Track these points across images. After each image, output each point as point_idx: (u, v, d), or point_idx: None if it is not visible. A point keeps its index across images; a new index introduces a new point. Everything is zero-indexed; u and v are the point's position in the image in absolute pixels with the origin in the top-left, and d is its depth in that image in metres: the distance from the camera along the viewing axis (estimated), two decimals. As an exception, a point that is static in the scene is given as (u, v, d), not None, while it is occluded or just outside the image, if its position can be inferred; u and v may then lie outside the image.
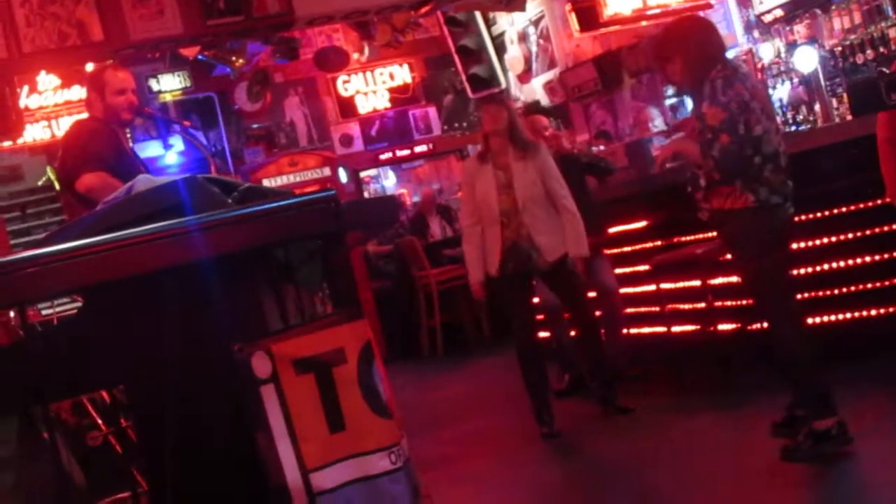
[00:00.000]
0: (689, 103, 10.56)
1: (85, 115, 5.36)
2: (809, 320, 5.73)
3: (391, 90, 13.97)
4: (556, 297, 6.27)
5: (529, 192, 5.90)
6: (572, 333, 6.47)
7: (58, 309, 6.18)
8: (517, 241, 5.90)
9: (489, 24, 13.45)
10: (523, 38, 13.15)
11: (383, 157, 14.06)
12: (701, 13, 10.18)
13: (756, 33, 9.96)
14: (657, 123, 10.71)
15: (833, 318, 5.73)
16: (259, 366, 2.19)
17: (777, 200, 4.33)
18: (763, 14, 9.77)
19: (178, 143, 12.51)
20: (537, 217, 5.91)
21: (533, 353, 6.07)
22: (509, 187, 5.92)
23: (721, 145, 4.23)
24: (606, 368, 6.21)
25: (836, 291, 5.75)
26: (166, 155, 12.51)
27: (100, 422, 4.70)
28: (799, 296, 5.26)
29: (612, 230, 7.03)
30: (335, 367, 2.23)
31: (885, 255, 5.62)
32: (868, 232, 5.66)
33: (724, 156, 4.24)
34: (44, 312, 6.16)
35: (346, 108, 13.83)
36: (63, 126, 10.77)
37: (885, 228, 5.60)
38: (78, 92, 10.70)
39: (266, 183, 11.08)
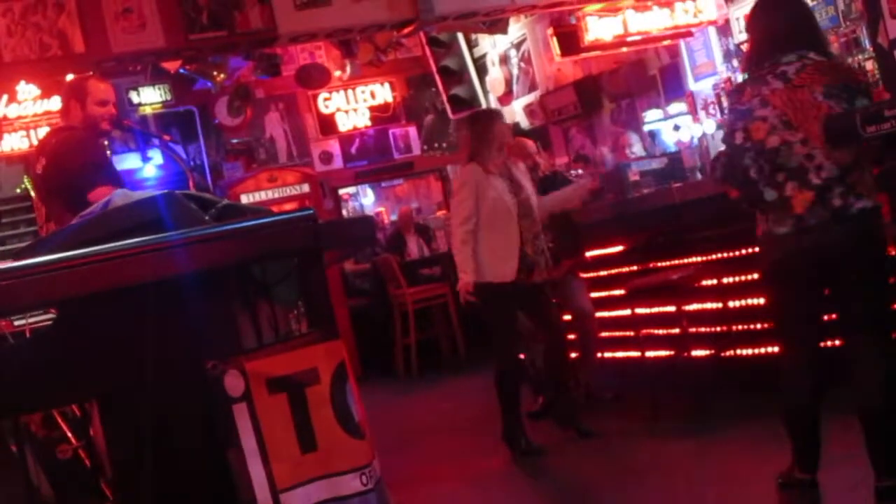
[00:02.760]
0: (665, 130, 10.66)
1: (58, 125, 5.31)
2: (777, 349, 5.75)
3: (372, 108, 13.99)
4: (529, 316, 6.25)
5: (534, 199, 6.07)
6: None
7: (31, 320, 6.11)
8: (526, 249, 5.93)
9: (471, 45, 13.51)
10: (505, 60, 13.22)
11: (362, 175, 14.07)
12: (682, 41, 10.30)
13: (735, 62, 10.03)
14: (636, 149, 10.77)
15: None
16: (232, 384, 2.19)
17: (783, 230, 4.03)
18: (743, 43, 9.86)
19: (156, 156, 12.47)
20: (539, 225, 6.04)
21: (514, 371, 6.07)
22: (516, 193, 5.99)
23: (721, 158, 4.17)
24: (573, 391, 6.21)
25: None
26: (145, 168, 12.46)
27: (70, 435, 4.66)
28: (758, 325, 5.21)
29: (589, 254, 7.06)
30: (308, 387, 2.23)
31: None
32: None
33: (723, 165, 4.14)
34: (16, 324, 6.10)
35: (327, 125, 13.84)
36: (42, 136, 10.71)
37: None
38: (58, 103, 10.66)
39: (244, 198, 11.06)
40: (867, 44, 8.48)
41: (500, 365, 6.06)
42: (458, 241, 5.99)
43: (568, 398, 6.19)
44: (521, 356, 6.90)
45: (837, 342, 4.90)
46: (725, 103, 4.20)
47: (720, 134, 5.99)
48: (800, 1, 4.29)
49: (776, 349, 5.55)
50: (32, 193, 9.95)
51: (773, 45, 4.00)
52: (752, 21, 4.19)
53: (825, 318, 4.14)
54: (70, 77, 7.29)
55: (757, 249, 4.21)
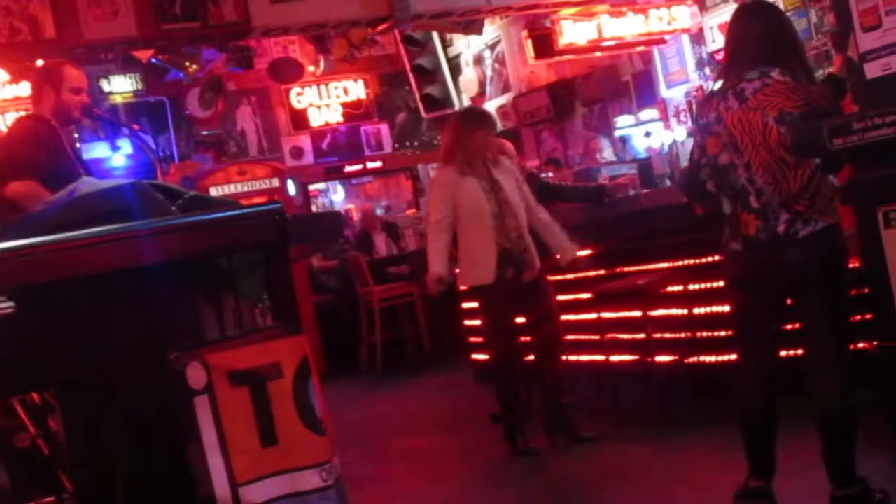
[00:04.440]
0: (636, 136, 10.72)
1: (27, 112, 5.25)
2: (726, 357, 5.78)
3: (344, 105, 13.98)
4: (527, 312, 6.10)
5: (516, 197, 5.94)
6: (531, 357, 6.36)
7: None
8: (508, 248, 5.85)
9: (446, 45, 13.53)
10: (479, 61, 13.24)
11: (333, 171, 14.04)
12: (655, 48, 10.36)
13: (707, 70, 10.11)
14: (607, 154, 10.82)
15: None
16: (194, 376, 2.18)
17: (736, 246, 4.02)
18: (716, 52, 9.93)
19: (126, 145, 12.39)
20: (523, 222, 5.93)
21: (515, 366, 6.02)
22: (493, 193, 5.90)
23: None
24: (562, 393, 6.16)
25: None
26: (113, 157, 12.39)
27: (28, 423, 4.61)
28: (722, 332, 5.21)
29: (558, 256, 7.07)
30: (270, 381, 2.22)
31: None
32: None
33: (681, 176, 4.20)
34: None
35: (299, 120, 13.81)
36: (10, 122, 10.60)
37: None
38: (27, 88, 10.55)
39: (213, 191, 11.00)
40: (838, 57, 8.55)
41: (496, 364, 6.06)
42: (430, 238, 5.99)
43: (559, 400, 6.11)
44: (486, 358, 6.90)
45: (800, 351, 4.97)
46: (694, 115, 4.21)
47: (690, 142, 6.01)
48: (776, 14, 4.23)
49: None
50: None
51: (740, 58, 3.94)
52: (728, 30, 4.15)
53: (786, 326, 4.20)
54: (41, 62, 7.22)
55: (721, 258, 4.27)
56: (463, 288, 6.38)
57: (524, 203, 6.01)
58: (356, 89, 14.03)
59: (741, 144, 3.84)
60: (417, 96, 13.60)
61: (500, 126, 12.71)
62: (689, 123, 9.35)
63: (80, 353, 2.31)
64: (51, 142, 4.92)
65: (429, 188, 14.33)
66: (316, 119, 13.87)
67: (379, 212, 13.77)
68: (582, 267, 6.47)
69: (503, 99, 12.83)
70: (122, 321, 2.30)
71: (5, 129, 9.57)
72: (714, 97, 3.99)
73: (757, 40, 3.92)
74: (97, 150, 12.20)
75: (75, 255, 2.20)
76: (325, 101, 13.90)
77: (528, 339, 6.21)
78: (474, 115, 6.47)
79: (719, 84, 4.05)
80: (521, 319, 6.18)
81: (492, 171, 5.97)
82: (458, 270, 6.16)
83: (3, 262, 2.17)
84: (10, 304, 2.54)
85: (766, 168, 3.80)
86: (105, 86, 11.92)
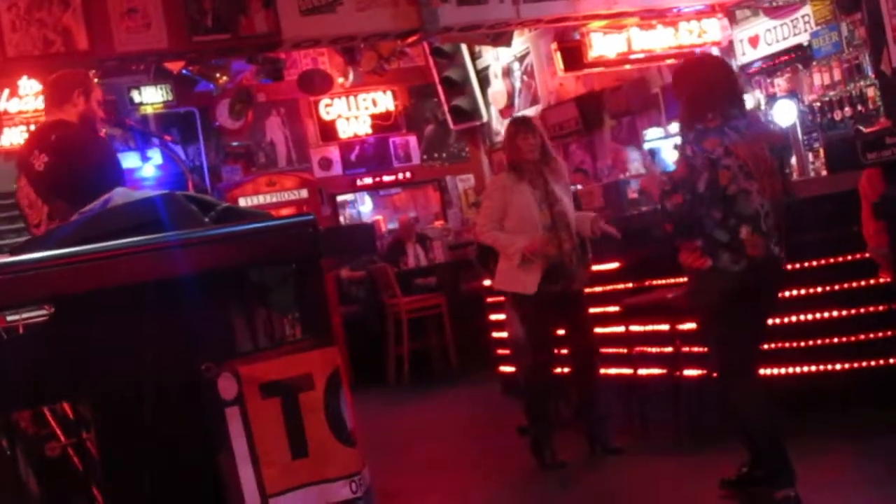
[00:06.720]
0: (665, 149, 10.68)
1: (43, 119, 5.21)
2: (778, 370, 5.75)
3: (373, 116, 14.01)
4: (565, 323, 6.09)
5: (570, 209, 5.96)
6: (566, 370, 6.33)
7: (24, 316, 6.09)
8: (562, 260, 5.83)
9: (474, 57, 13.55)
10: (507, 73, 13.25)
11: (361, 182, 14.07)
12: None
13: (738, 83, 10.06)
14: (635, 166, 10.79)
15: (800, 369, 5.77)
16: (225, 387, 2.18)
17: (737, 268, 4.24)
18: (746, 65, 9.89)
19: (156, 156, 12.47)
20: (574, 234, 5.92)
21: (547, 378, 5.99)
22: (547, 204, 5.87)
23: (673, 203, 4.26)
24: (599, 404, 6.13)
25: (804, 343, 5.78)
26: (144, 167, 12.47)
27: (59, 432, 4.63)
28: (768, 346, 5.23)
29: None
30: (302, 393, 2.22)
31: (853, 310, 5.67)
32: (837, 286, 5.71)
33: (677, 211, 4.27)
34: (9, 318, 6.08)
35: (327, 131, 13.85)
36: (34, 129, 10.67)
37: (854, 284, 5.65)
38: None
39: (242, 202, 11.07)
40: (869, 70, 8.50)
41: (528, 375, 6.02)
42: (485, 234, 5.97)
43: (596, 411, 6.08)
44: (511, 370, 6.87)
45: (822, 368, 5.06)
46: (688, 150, 4.28)
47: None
48: (729, 65, 5.06)
49: (769, 371, 5.56)
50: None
51: (716, 100, 4.31)
52: (692, 76, 4.52)
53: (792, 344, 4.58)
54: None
55: (696, 281, 4.55)
56: (498, 289, 6.27)
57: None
58: (385, 101, 14.06)
59: (755, 172, 4.21)
60: (446, 108, 13.62)
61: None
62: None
63: (112, 363, 2.32)
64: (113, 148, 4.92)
65: (456, 200, 14.36)
66: (345, 130, 13.90)
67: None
68: (609, 278, 6.45)
69: (531, 111, 12.82)
70: (154, 332, 2.31)
71: (28, 137, 9.63)
72: (709, 134, 4.24)
73: (730, 86, 4.45)
74: (127, 161, 12.27)
75: (108, 266, 2.21)
76: (354, 112, 13.93)
77: (562, 350, 6.18)
78: (513, 121, 6.44)
79: (694, 123, 4.36)
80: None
81: (549, 182, 5.93)
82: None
83: (37, 273, 2.18)
84: (43, 313, 2.56)
85: (770, 193, 4.25)
86: (136, 96, 11.98)
